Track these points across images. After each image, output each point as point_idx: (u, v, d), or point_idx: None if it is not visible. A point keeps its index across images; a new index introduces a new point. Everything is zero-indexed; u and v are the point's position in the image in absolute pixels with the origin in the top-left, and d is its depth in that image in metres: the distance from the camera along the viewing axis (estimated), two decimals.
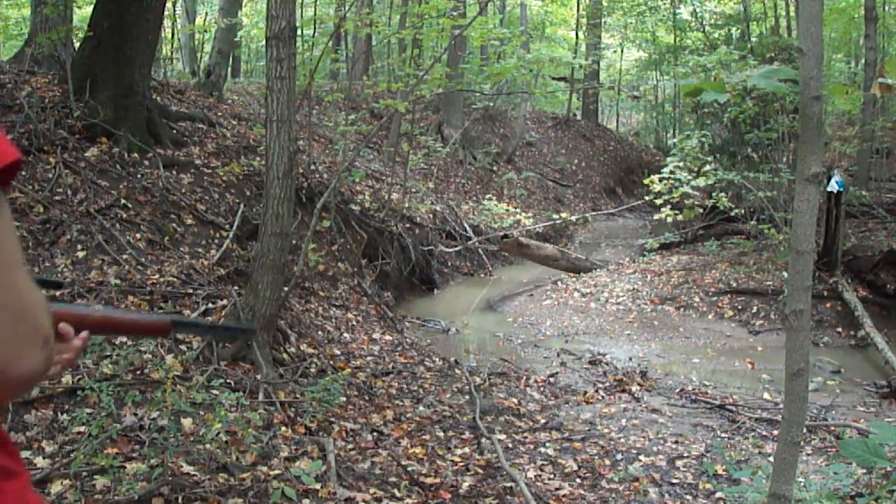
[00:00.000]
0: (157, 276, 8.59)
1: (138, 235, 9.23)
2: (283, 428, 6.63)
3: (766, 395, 10.23)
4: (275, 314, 8.22)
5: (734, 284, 15.32)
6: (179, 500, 4.99)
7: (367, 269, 13.32)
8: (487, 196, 22.39)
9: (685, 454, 7.77)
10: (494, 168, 26.01)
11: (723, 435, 8.47)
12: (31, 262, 7.89)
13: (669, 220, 17.78)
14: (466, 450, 7.37)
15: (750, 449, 7.95)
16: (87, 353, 6.40)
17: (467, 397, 8.95)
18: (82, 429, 5.45)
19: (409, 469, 6.48)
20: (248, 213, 10.98)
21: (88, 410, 5.66)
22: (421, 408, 8.46)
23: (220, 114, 15.98)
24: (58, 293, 6.75)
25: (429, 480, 6.37)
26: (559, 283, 16.86)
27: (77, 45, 12.88)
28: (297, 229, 10.39)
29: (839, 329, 13.45)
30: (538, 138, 30.66)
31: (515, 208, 21.41)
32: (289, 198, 7.89)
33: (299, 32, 10.60)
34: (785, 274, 13.18)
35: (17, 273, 1.06)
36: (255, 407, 6.73)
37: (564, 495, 6.53)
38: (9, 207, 1.08)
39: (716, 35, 28.03)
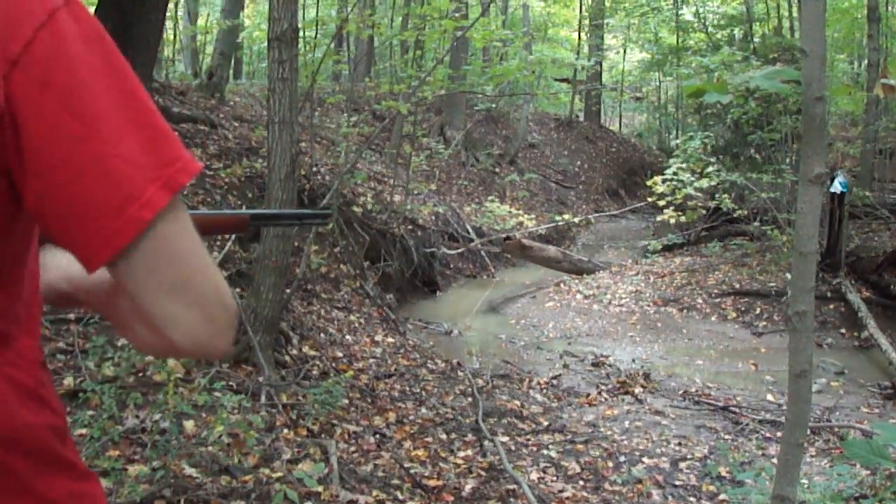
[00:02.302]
0: None
1: None
2: (286, 430, 6.62)
3: (769, 397, 10.22)
4: (277, 316, 8.21)
5: (737, 286, 15.32)
6: (181, 503, 4.98)
7: (369, 271, 13.31)
8: (490, 198, 22.38)
9: (688, 456, 7.76)
10: (497, 170, 26.00)
11: (726, 437, 8.46)
12: None
13: (672, 221, 17.77)
14: (469, 452, 7.36)
15: (753, 451, 7.94)
16: (89, 356, 6.40)
17: (470, 399, 8.94)
18: (84, 431, 5.43)
19: (412, 471, 6.47)
20: None
21: (90, 412, 5.65)
22: (423, 410, 8.44)
23: (221, 115, 15.99)
24: None
25: (431, 483, 6.36)
26: (562, 284, 16.86)
27: None
28: (299, 231, 10.38)
29: (843, 330, 13.44)
30: (540, 140, 30.67)
31: (518, 210, 21.41)
32: (291, 200, 7.88)
33: (301, 34, 10.57)
34: (788, 275, 13.16)
35: (205, 256, 1.19)
36: (258, 409, 6.72)
37: (568, 498, 6.52)
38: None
39: (718, 36, 28.08)
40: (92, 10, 12.05)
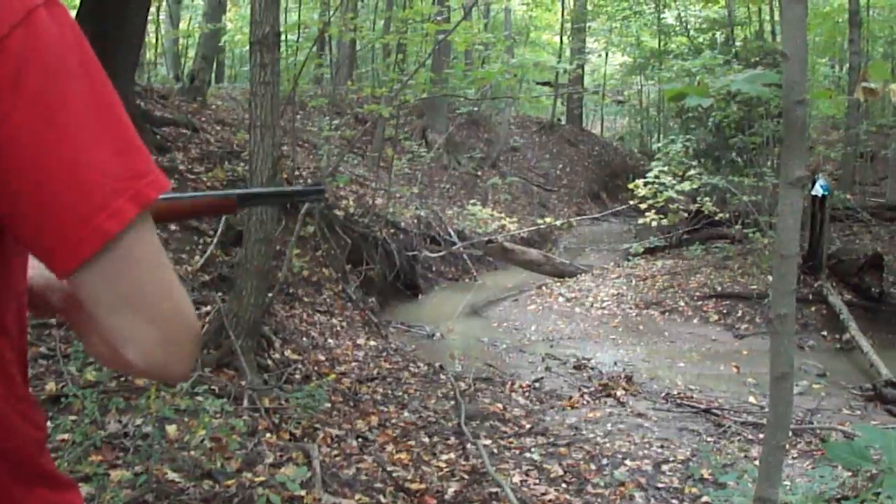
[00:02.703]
0: None
1: None
2: (268, 434, 6.61)
3: (751, 399, 10.25)
4: (259, 320, 8.19)
5: (719, 288, 15.37)
6: None
7: (351, 274, 13.29)
8: (472, 201, 22.37)
9: (671, 458, 7.77)
10: (479, 173, 26.01)
11: (708, 439, 8.48)
12: None
13: (654, 224, 17.81)
14: (452, 455, 7.36)
15: (736, 453, 7.96)
16: (71, 360, 6.37)
17: (452, 403, 8.94)
18: (66, 436, 5.41)
19: (395, 475, 6.47)
20: (231, 219, 10.95)
21: (72, 417, 5.63)
22: (406, 413, 8.44)
23: (203, 119, 15.96)
24: None
25: (414, 486, 6.35)
26: (544, 287, 16.87)
27: None
28: (281, 235, 10.36)
29: (824, 332, 13.50)
30: (522, 143, 30.67)
31: (500, 213, 21.42)
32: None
33: (283, 37, 10.57)
34: (770, 278, 13.21)
35: (170, 274, 1.16)
36: (240, 413, 6.70)
37: (550, 500, 6.53)
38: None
39: (700, 39, 28.12)
40: (74, 13, 12.02)
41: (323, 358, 9.67)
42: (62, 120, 1.07)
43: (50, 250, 1.10)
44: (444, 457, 7.29)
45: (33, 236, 1.10)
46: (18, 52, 1.06)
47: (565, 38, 35.62)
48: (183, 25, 27.18)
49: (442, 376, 10.18)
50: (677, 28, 30.46)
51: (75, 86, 1.09)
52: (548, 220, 22.48)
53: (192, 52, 23.21)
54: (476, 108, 28.08)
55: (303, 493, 5.55)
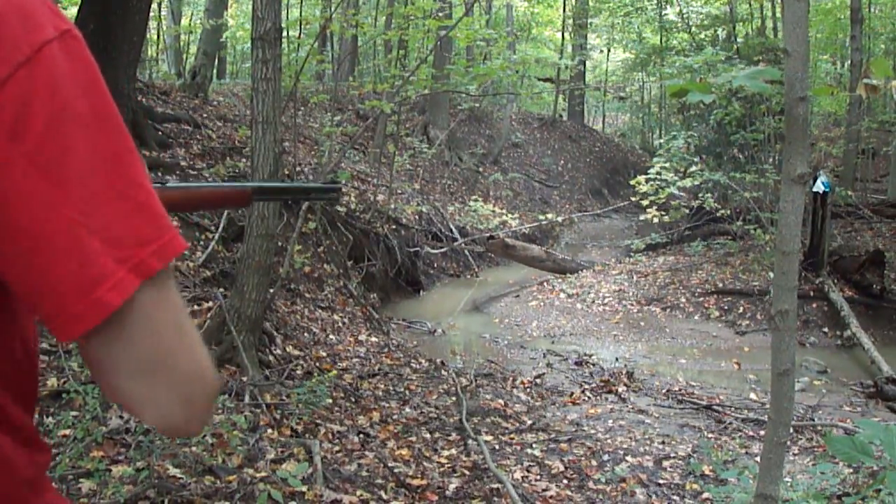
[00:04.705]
0: None
1: None
2: (269, 430, 6.61)
3: (752, 396, 10.26)
4: (260, 316, 8.20)
5: (720, 285, 15.37)
6: (165, 503, 4.97)
7: (352, 270, 13.29)
8: (473, 197, 22.38)
9: (672, 455, 7.77)
10: (480, 169, 26.00)
11: (709, 435, 8.48)
12: None
13: (655, 220, 17.81)
14: (453, 451, 7.36)
15: (737, 449, 7.96)
16: (73, 356, 6.37)
17: (454, 399, 8.93)
18: (67, 432, 5.42)
19: (396, 471, 6.47)
20: (233, 215, 10.95)
21: (74, 413, 5.64)
22: (407, 409, 8.44)
23: (205, 115, 15.95)
24: None
25: (415, 482, 6.35)
26: (545, 284, 16.87)
27: None
28: (282, 231, 10.37)
29: (825, 329, 13.50)
30: (524, 139, 30.66)
31: (501, 209, 21.43)
32: None
33: (285, 34, 10.56)
34: (771, 274, 13.21)
35: (189, 334, 1.08)
36: (241, 409, 6.71)
37: (551, 496, 6.53)
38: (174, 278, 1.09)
39: (702, 36, 28.08)
40: (75, 10, 12.05)
41: (324, 354, 9.66)
42: (63, 177, 0.97)
43: (49, 318, 1.01)
44: (446, 453, 7.29)
45: (32, 300, 1.01)
46: (21, 97, 0.96)
47: (567, 35, 35.60)
48: (184, 21, 27.25)
49: (443, 372, 10.17)
50: (679, 24, 30.40)
51: (83, 136, 0.99)
52: (549, 216, 22.51)
53: (193, 49, 23.19)
54: (478, 105, 28.04)
55: (304, 488, 5.55)
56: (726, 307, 14.52)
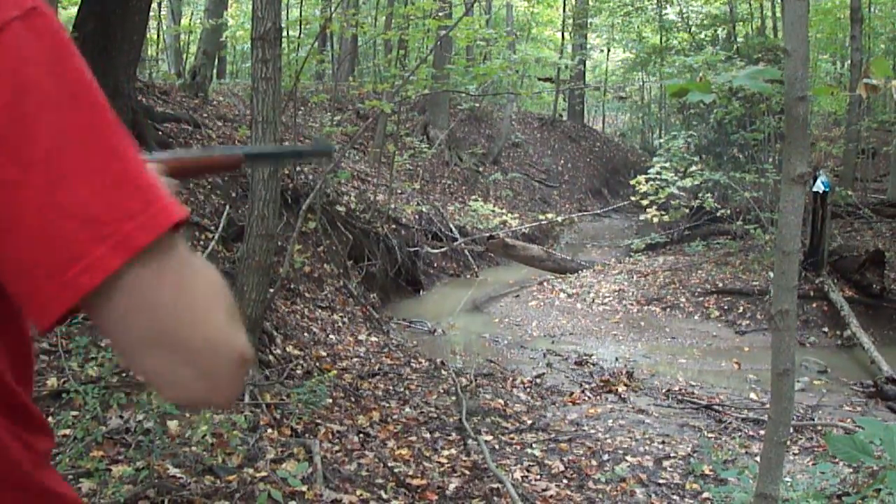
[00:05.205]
0: None
1: None
2: (269, 430, 6.61)
3: (752, 395, 10.26)
4: (260, 316, 8.20)
5: (720, 285, 15.37)
6: (165, 503, 4.98)
7: (352, 270, 13.30)
8: (473, 197, 22.37)
9: (672, 454, 7.77)
10: (480, 169, 25.99)
11: (709, 435, 8.48)
12: None
13: (655, 220, 17.82)
14: (453, 451, 7.36)
15: (737, 449, 7.96)
16: (73, 356, 6.38)
17: (454, 398, 8.93)
18: (67, 431, 5.42)
19: (396, 470, 6.47)
20: (233, 215, 10.96)
21: (73, 413, 5.64)
22: (407, 409, 8.44)
23: (205, 115, 15.94)
24: None
25: (415, 482, 6.36)
26: (545, 283, 16.87)
27: None
28: (282, 231, 10.36)
29: (825, 329, 13.51)
30: (524, 139, 30.65)
31: (501, 209, 21.41)
32: (274, 199, 7.86)
33: (285, 33, 10.58)
34: (771, 274, 13.21)
35: (202, 299, 1.03)
36: (241, 409, 6.71)
37: (551, 496, 6.53)
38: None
39: (702, 36, 28.09)
40: (76, 10, 12.03)
41: (324, 353, 9.67)
42: (30, 157, 0.94)
43: (25, 305, 0.99)
44: (446, 452, 7.29)
45: (11, 287, 0.99)
46: None
47: (567, 34, 35.59)
48: (184, 21, 27.23)
49: (443, 372, 10.17)
50: (679, 24, 30.41)
51: (52, 113, 0.95)
52: (549, 216, 22.49)
53: (193, 48, 23.17)
54: (478, 105, 28.04)
55: (304, 488, 5.56)
56: (726, 307, 14.53)
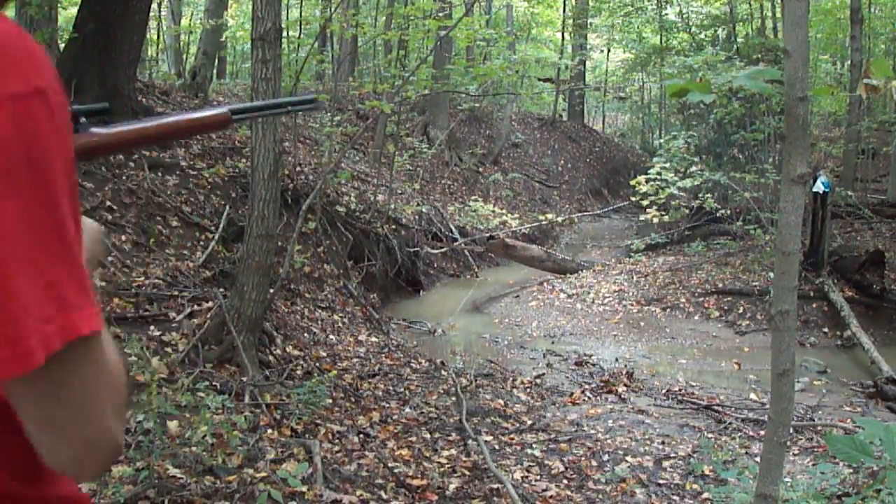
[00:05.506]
0: (142, 278, 8.56)
1: (123, 237, 9.20)
2: (269, 430, 6.61)
3: (752, 396, 10.26)
4: (260, 316, 8.20)
5: (720, 285, 15.37)
6: (165, 503, 4.97)
7: (352, 270, 13.30)
8: (473, 197, 22.38)
9: (672, 455, 7.77)
10: (480, 169, 25.99)
11: (709, 435, 8.48)
12: None
13: (655, 220, 17.82)
14: (453, 451, 7.36)
15: (737, 449, 7.96)
16: None
17: (454, 399, 8.93)
18: None
19: (396, 471, 6.47)
20: (233, 215, 10.96)
21: None
22: (407, 409, 8.44)
23: None
24: None
25: (415, 482, 6.35)
26: (545, 284, 16.87)
27: (62, 46, 12.82)
28: (282, 231, 10.37)
29: (825, 329, 13.51)
30: (524, 139, 30.63)
31: (501, 209, 21.41)
32: (274, 199, 7.87)
33: (285, 34, 10.58)
34: (771, 274, 13.21)
35: (99, 401, 1.09)
36: (241, 409, 6.71)
37: (551, 496, 6.53)
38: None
39: (702, 36, 28.11)
40: (76, 10, 12.04)
41: (324, 354, 9.67)
42: None
43: None
44: (446, 453, 7.29)
45: None
46: None
47: (567, 35, 35.55)
48: (184, 22, 27.24)
49: (443, 372, 10.17)
50: (679, 24, 30.42)
51: (13, 201, 0.97)
52: (549, 216, 22.50)
53: (193, 49, 23.19)
54: (478, 105, 28.03)
55: (304, 489, 5.55)
56: (726, 307, 14.53)
